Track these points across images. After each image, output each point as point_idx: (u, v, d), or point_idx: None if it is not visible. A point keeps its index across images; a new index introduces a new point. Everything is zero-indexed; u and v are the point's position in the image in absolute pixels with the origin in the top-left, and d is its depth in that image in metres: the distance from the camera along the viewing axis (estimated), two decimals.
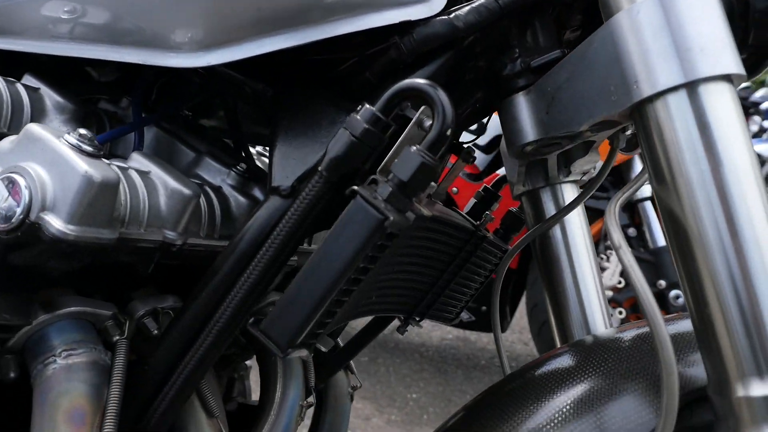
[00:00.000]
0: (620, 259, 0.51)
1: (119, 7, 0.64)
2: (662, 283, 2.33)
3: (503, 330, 2.57)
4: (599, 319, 0.79)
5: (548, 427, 0.59)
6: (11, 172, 0.56)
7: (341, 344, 1.04)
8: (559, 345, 0.81)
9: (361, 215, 0.51)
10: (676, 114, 0.51)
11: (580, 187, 0.85)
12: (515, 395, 0.63)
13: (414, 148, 0.51)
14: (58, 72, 0.82)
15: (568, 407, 0.60)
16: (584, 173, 0.85)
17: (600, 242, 2.45)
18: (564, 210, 0.81)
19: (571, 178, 0.84)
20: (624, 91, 0.54)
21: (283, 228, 0.55)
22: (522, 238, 0.85)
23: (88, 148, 0.57)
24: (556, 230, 0.84)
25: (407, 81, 0.53)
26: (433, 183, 0.60)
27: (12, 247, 0.56)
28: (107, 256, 0.63)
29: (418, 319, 0.89)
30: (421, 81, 0.52)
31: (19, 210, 0.54)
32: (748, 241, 0.49)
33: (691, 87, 0.50)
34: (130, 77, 0.86)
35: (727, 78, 0.51)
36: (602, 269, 2.42)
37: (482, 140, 2.50)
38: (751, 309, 0.48)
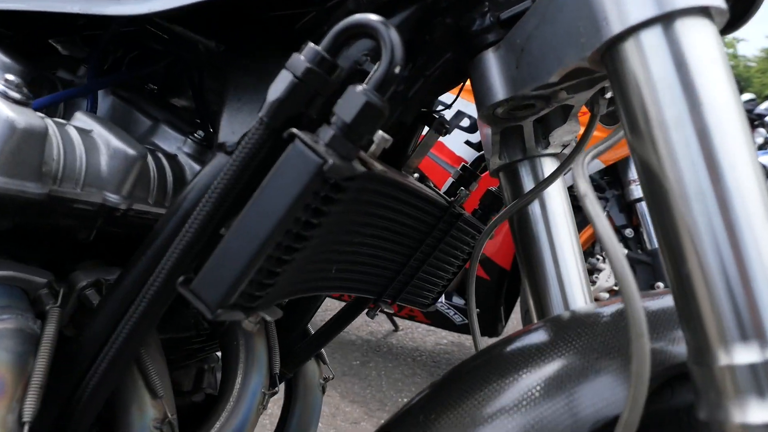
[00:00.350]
0: (585, 209, 0.45)
1: None
2: (660, 285, 2.26)
3: (497, 334, 2.50)
4: (579, 296, 0.74)
5: (514, 405, 0.54)
6: None
7: (311, 331, 0.99)
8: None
9: (298, 160, 0.46)
10: (650, 53, 0.46)
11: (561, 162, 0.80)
12: (480, 372, 0.58)
13: (359, 87, 0.46)
14: (24, 46, 0.78)
15: (536, 385, 0.55)
16: (564, 145, 0.80)
17: (596, 243, 2.38)
18: (542, 183, 0.76)
19: (550, 151, 0.79)
20: (593, 31, 0.49)
21: (220, 182, 0.50)
22: (499, 215, 0.79)
23: (15, 95, 0.53)
24: (535, 206, 0.79)
25: (355, 16, 0.48)
26: (387, 136, 0.55)
27: None
28: (41, 216, 0.58)
29: (389, 302, 0.84)
30: (370, 16, 0.48)
31: None
32: (730, 190, 0.43)
33: (666, 21, 0.45)
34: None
35: (706, 12, 0.46)
36: (597, 270, 2.35)
37: (475, 137, 2.45)
38: (735, 266, 0.43)
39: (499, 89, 0.63)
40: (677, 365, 0.53)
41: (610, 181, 2.35)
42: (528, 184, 0.79)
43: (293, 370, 0.94)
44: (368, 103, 0.46)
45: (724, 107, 0.45)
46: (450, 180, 0.86)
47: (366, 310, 0.85)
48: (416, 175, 0.84)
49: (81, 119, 0.64)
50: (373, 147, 0.55)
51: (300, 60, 0.48)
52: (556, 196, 0.79)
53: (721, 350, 0.43)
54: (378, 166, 0.57)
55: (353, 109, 0.46)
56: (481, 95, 0.65)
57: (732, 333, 0.43)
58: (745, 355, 0.43)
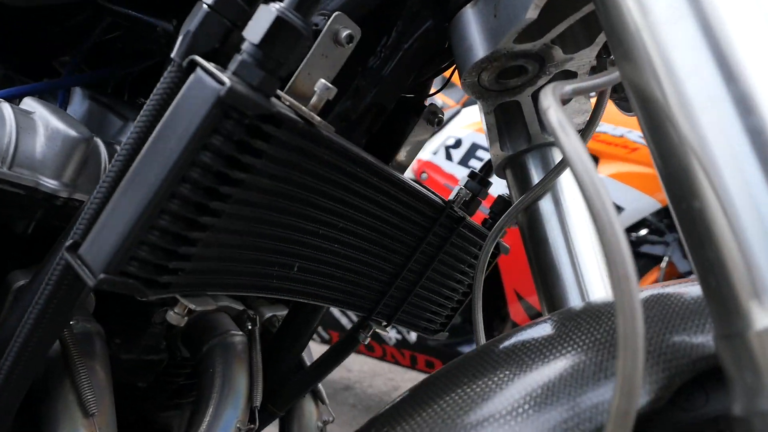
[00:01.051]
0: (560, 146, 0.35)
1: None
2: None
3: None
4: (599, 289, 0.61)
5: (504, 410, 0.41)
6: None
7: (307, 364, 0.88)
8: None
9: (197, 90, 0.38)
10: None
11: None
12: (469, 369, 0.46)
13: (273, 4, 0.39)
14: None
15: (535, 386, 0.43)
16: (577, 130, 0.69)
17: None
18: (550, 174, 0.65)
19: None
20: None
21: (130, 137, 0.43)
22: (506, 214, 0.68)
23: None
24: (547, 202, 0.67)
25: None
26: (330, 85, 0.47)
27: None
28: None
29: (384, 324, 0.73)
30: None
31: None
32: (747, 90, 0.32)
33: None
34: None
35: None
36: None
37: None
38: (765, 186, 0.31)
39: (479, 45, 0.54)
40: (708, 357, 0.40)
41: (669, 224, 2.16)
42: (537, 178, 0.68)
43: (284, 408, 0.83)
44: (279, 19, 0.38)
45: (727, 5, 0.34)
46: (457, 188, 0.76)
47: (356, 327, 0.74)
48: (411, 176, 0.75)
49: (27, 103, 0.59)
50: (314, 99, 0.47)
51: None
52: (569, 189, 0.67)
53: (755, 308, 0.31)
54: (330, 127, 0.48)
55: (262, 28, 0.38)
56: (462, 59, 0.56)
57: None
58: None
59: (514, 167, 0.70)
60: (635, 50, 0.36)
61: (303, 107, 0.45)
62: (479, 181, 0.81)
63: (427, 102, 0.73)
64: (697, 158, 0.33)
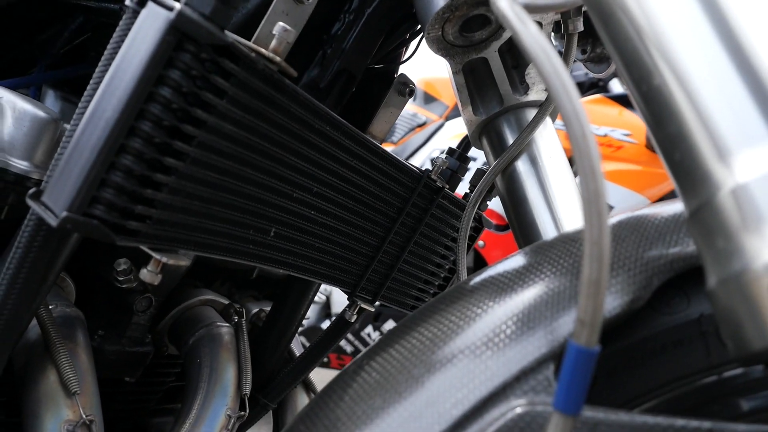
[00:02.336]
0: (514, 33, 0.35)
1: None
2: None
3: None
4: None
5: (474, 344, 0.40)
6: None
7: (296, 354, 0.86)
8: None
9: (148, 19, 0.38)
10: None
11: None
12: (444, 304, 0.44)
13: None
14: None
15: (506, 317, 0.41)
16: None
17: None
18: (526, 130, 0.65)
19: (533, 97, 0.68)
20: None
21: (92, 81, 0.43)
22: (483, 179, 0.68)
23: None
24: (524, 162, 0.67)
25: None
26: (289, 27, 0.47)
27: None
28: None
29: (369, 298, 0.72)
30: None
31: None
32: None
33: None
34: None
35: None
36: None
37: None
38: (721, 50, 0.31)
39: None
40: (685, 257, 0.39)
41: None
42: (513, 139, 0.68)
43: (276, 400, 0.81)
44: None
45: None
46: (434, 157, 0.75)
47: (345, 307, 0.73)
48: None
49: None
50: (273, 42, 0.47)
51: None
52: (545, 146, 0.67)
53: (721, 170, 0.30)
54: (292, 72, 0.48)
55: None
56: (424, 12, 0.57)
57: (736, 137, 0.30)
58: (757, 165, 0.29)
59: (489, 134, 0.70)
60: None
61: (263, 49, 0.45)
62: (458, 156, 0.81)
63: (398, 75, 0.74)
64: (651, 39, 0.33)
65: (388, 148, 3.00)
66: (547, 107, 0.65)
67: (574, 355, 0.28)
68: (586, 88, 2.59)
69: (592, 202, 0.28)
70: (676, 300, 0.40)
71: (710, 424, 0.30)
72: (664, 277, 0.38)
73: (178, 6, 0.37)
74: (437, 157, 0.73)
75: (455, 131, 2.54)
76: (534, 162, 0.67)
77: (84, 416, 0.54)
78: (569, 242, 0.44)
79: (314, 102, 0.52)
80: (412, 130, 2.94)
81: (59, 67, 0.77)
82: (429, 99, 2.98)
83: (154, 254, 0.45)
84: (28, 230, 0.45)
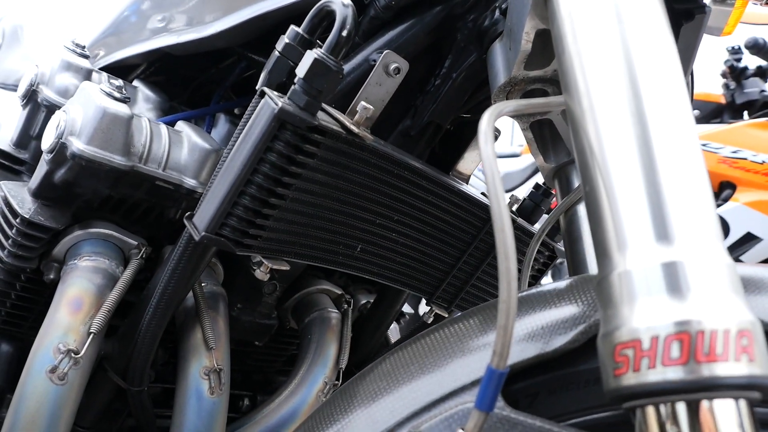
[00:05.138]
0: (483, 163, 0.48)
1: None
2: None
3: None
4: None
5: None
6: (62, 111, 0.73)
7: (391, 341, 1.03)
8: None
9: (263, 109, 0.57)
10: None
11: None
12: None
13: (314, 50, 0.56)
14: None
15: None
16: None
17: None
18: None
19: None
20: None
21: (231, 141, 0.63)
22: (548, 218, 0.79)
23: (116, 94, 0.73)
24: (584, 206, 0.77)
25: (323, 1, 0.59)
26: (368, 105, 0.63)
27: (53, 167, 0.72)
28: (132, 187, 0.76)
29: (444, 306, 0.87)
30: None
31: (55, 134, 0.71)
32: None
33: None
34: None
35: None
36: None
37: None
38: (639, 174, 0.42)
39: (501, 73, 0.67)
40: None
41: None
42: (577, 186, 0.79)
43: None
44: (317, 60, 0.55)
45: None
46: (510, 194, 0.88)
47: (423, 313, 0.88)
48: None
49: (179, 125, 0.83)
50: (356, 116, 0.64)
51: (282, 39, 0.60)
52: None
53: (618, 256, 0.42)
54: (369, 137, 0.64)
55: (305, 67, 0.56)
56: (492, 84, 0.70)
57: (631, 236, 0.42)
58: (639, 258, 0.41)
59: (560, 177, 0.81)
60: (570, 79, 0.49)
61: (347, 122, 0.62)
62: (542, 192, 0.93)
63: None
64: (597, 158, 0.45)
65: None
66: None
67: (489, 373, 0.42)
68: (758, 107, 2.43)
69: (504, 275, 0.41)
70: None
71: None
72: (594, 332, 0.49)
73: (280, 103, 0.55)
74: (513, 195, 0.85)
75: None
76: None
77: (216, 366, 0.76)
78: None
79: (392, 153, 0.68)
80: None
81: (228, 99, 1.01)
82: None
83: (264, 260, 0.64)
84: (186, 236, 0.66)
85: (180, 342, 0.78)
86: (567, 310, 0.50)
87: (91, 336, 0.68)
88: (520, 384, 0.48)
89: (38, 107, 0.87)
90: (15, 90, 1.35)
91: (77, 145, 0.70)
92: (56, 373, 0.66)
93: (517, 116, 0.74)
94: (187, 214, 0.62)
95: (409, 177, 0.71)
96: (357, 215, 0.70)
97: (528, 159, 3.01)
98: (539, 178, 2.72)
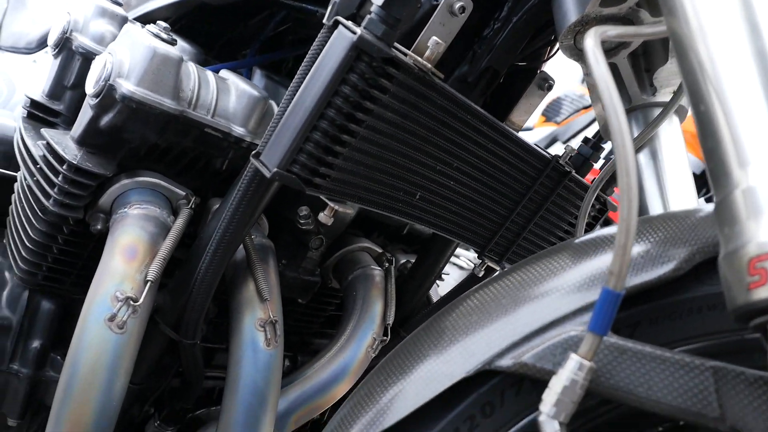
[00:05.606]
0: (591, 73, 0.46)
1: None
2: None
3: None
4: None
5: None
6: (107, 53, 0.70)
7: (433, 300, 1.02)
8: None
9: (338, 39, 0.54)
10: None
11: (675, 113, 0.76)
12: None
13: None
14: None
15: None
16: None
17: None
18: (648, 127, 0.73)
19: (659, 99, 0.76)
20: None
21: (296, 77, 0.60)
22: (606, 166, 0.78)
23: (163, 35, 0.70)
24: (645, 156, 0.75)
25: None
26: (440, 41, 0.61)
27: (100, 112, 0.69)
28: (180, 135, 0.73)
29: (496, 259, 0.85)
30: None
31: (101, 77, 0.68)
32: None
33: None
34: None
35: None
36: None
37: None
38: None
39: (571, 10, 0.65)
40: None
41: None
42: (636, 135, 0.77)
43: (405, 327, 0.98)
44: None
45: None
46: (565, 145, 0.86)
47: (474, 267, 0.86)
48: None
49: (223, 73, 0.80)
50: (427, 52, 0.61)
51: None
52: (668, 143, 0.75)
53: (740, 173, 0.40)
54: (439, 74, 0.62)
55: None
56: (559, 25, 0.67)
57: (752, 152, 0.40)
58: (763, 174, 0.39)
59: None
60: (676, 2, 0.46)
61: (419, 57, 0.59)
62: (592, 145, 0.90)
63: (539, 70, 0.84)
64: (710, 76, 0.43)
65: (551, 128, 3.03)
66: (670, 108, 0.72)
67: (604, 294, 0.40)
68: None
69: (625, 192, 0.39)
70: (716, 275, 0.49)
71: (713, 363, 0.40)
72: (705, 256, 0.47)
73: (359, 31, 0.52)
74: (567, 146, 0.83)
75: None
76: (654, 156, 0.75)
77: (272, 317, 0.74)
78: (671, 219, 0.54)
79: (457, 95, 0.65)
80: (577, 111, 2.93)
81: (264, 52, 0.98)
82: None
83: (329, 203, 0.62)
84: (246, 179, 0.64)
85: (232, 296, 0.76)
86: (665, 241, 0.49)
87: (148, 284, 0.66)
88: (622, 313, 0.46)
89: (72, 56, 0.84)
90: (25, 53, 1.32)
91: (126, 86, 0.67)
92: (115, 321, 0.64)
93: (583, 61, 0.72)
94: (253, 153, 0.59)
95: (471, 122, 0.69)
96: (419, 159, 0.67)
97: (543, 131, 2.98)
98: (556, 149, 2.70)
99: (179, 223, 0.71)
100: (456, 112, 0.67)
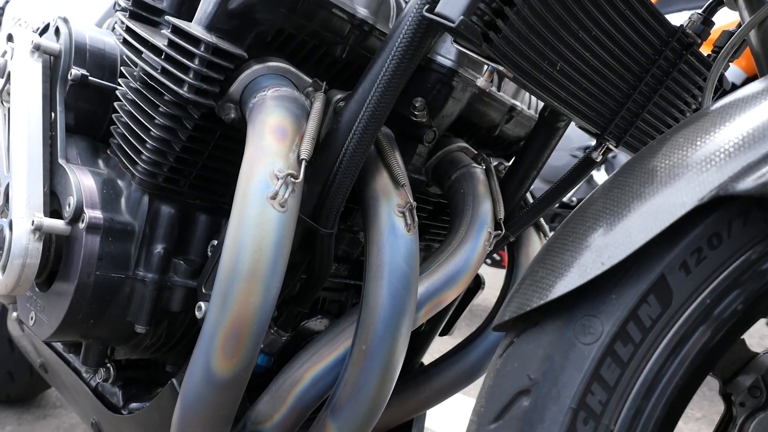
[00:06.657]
0: None
1: None
2: None
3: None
4: None
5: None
6: None
7: (530, 200, 1.01)
8: None
9: None
10: None
11: None
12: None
13: None
14: None
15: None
16: None
17: None
18: None
19: None
20: None
21: None
22: (736, 33, 0.76)
23: None
24: None
25: None
26: None
27: None
28: (305, 18, 0.70)
29: (614, 144, 0.84)
30: None
31: None
32: None
33: None
34: None
35: None
36: None
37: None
38: None
39: None
40: None
41: None
42: None
43: (516, 233, 0.96)
44: None
45: None
46: (691, 12, 0.83)
47: (591, 150, 0.85)
48: None
49: None
50: None
51: None
52: None
53: None
54: None
55: None
56: None
57: None
58: None
59: None
60: None
61: None
62: (702, 21, 0.88)
63: None
64: None
65: None
66: None
67: None
68: None
69: None
70: None
71: None
72: None
73: None
74: (694, 12, 0.81)
75: None
76: None
77: (410, 202, 0.73)
78: None
79: None
80: None
81: None
82: None
83: (493, 65, 0.60)
84: (410, 31, 0.61)
85: (364, 186, 0.74)
86: None
87: (303, 162, 0.64)
88: None
89: None
90: None
91: None
92: (277, 199, 0.62)
93: None
94: (426, 7, 0.57)
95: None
96: (569, 26, 0.66)
97: None
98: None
99: (318, 104, 0.69)
100: None
